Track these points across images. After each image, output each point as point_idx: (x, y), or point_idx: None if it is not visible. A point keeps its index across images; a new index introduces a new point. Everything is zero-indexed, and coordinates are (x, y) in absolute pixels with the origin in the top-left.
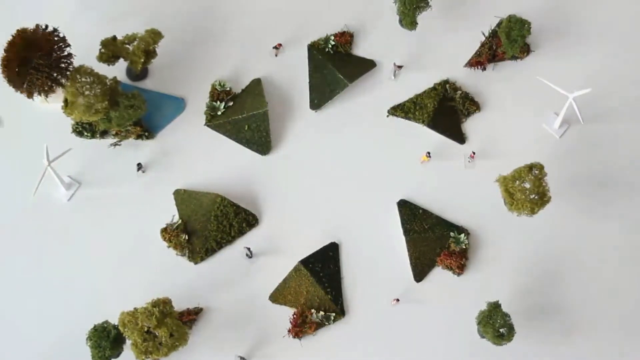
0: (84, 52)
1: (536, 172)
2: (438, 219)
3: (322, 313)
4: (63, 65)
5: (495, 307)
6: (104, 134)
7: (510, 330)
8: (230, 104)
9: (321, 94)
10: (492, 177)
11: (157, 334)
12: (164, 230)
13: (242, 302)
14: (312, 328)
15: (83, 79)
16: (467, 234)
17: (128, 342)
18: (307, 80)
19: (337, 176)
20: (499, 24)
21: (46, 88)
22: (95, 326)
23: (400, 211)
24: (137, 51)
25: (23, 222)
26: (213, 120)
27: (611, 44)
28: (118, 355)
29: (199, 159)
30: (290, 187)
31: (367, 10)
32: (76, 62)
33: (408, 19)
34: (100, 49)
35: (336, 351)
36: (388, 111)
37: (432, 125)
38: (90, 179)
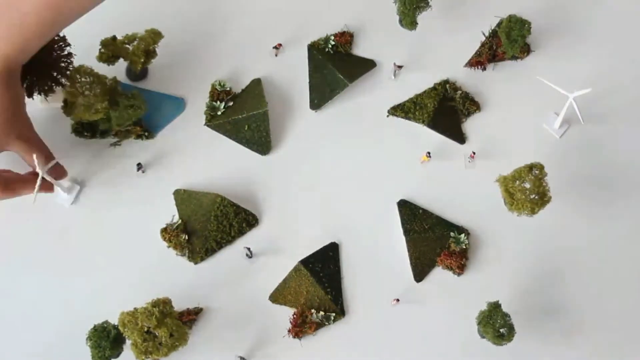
0: (84, 52)
1: (536, 172)
2: (438, 219)
3: (322, 313)
4: (63, 64)
5: (495, 307)
6: (104, 134)
7: (511, 330)
8: (230, 104)
9: (321, 94)
10: (492, 177)
11: (157, 334)
12: (164, 230)
13: (242, 302)
14: (312, 328)
15: (83, 79)
16: (467, 234)
17: (128, 342)
18: (307, 80)
19: (337, 176)
20: (499, 24)
21: (46, 88)
22: (95, 326)
23: (400, 211)
24: (137, 51)
25: (23, 222)
26: (213, 120)
27: (611, 44)
28: (118, 355)
29: (199, 159)
30: (290, 187)
31: (367, 10)
32: (76, 61)
33: (408, 19)
34: (100, 49)
35: (336, 351)
36: (388, 111)
37: (432, 125)
38: (90, 179)
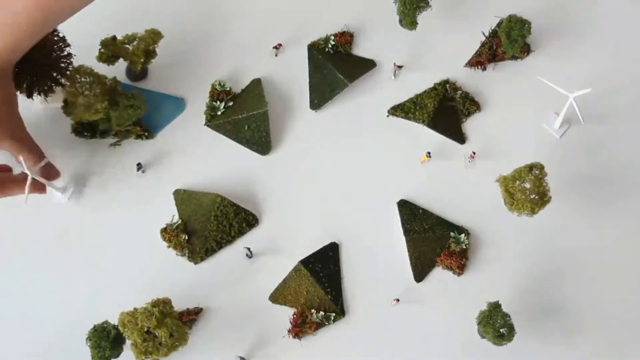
0: (83, 52)
1: (536, 172)
2: (438, 219)
3: (322, 313)
4: (63, 65)
5: (495, 307)
6: (104, 133)
7: (511, 330)
8: (230, 104)
9: (321, 94)
10: (492, 177)
11: (157, 334)
12: (164, 230)
13: (242, 302)
14: (312, 328)
15: (83, 79)
16: (468, 234)
17: (128, 342)
18: (307, 80)
19: (337, 176)
20: (499, 24)
21: (46, 88)
22: (95, 326)
23: (400, 211)
24: (137, 51)
25: (22, 222)
26: (213, 120)
27: (611, 44)
28: (118, 356)
29: (199, 159)
30: (290, 187)
31: (367, 10)
32: (76, 61)
33: (408, 19)
34: (100, 49)
35: (336, 351)
36: (388, 111)
37: (432, 125)
38: (90, 179)
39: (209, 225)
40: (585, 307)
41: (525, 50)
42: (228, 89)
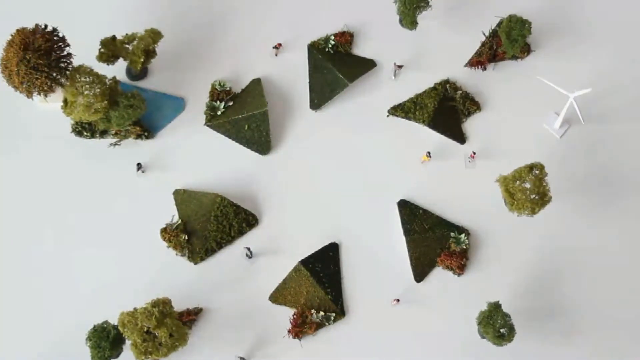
0: (83, 52)
1: (537, 172)
2: (438, 219)
3: (322, 313)
4: (62, 64)
5: (495, 307)
6: (103, 133)
7: (511, 330)
8: (230, 103)
9: (321, 93)
10: (492, 177)
11: (156, 334)
12: (164, 230)
13: (242, 302)
14: (312, 328)
15: (82, 79)
16: (468, 234)
17: (128, 342)
18: (307, 80)
19: (337, 176)
20: (499, 24)
21: (46, 88)
22: (95, 326)
23: (400, 211)
24: (136, 51)
25: (22, 221)
26: (213, 120)
27: (611, 44)
28: (118, 356)
29: (199, 159)
30: (290, 187)
31: (367, 10)
32: (76, 61)
33: (408, 19)
34: (99, 49)
35: (336, 351)
36: (388, 111)
37: (433, 125)
38: (90, 179)
39: (209, 225)
40: (585, 307)
41: (526, 50)
42: (228, 89)
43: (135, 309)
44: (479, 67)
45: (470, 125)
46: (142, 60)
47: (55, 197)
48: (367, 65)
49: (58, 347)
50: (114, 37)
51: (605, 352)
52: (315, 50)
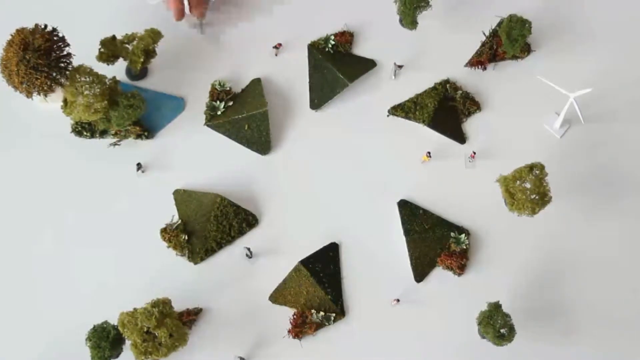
0: (83, 51)
1: (537, 172)
2: (438, 219)
3: (322, 313)
4: (62, 64)
5: (496, 307)
6: (103, 133)
7: (511, 330)
8: (230, 103)
9: (321, 93)
10: (492, 177)
11: (156, 334)
12: (164, 231)
13: (242, 302)
14: (312, 328)
15: (82, 79)
16: (468, 234)
17: (128, 342)
18: (307, 80)
19: (337, 176)
20: (499, 24)
21: (45, 88)
22: (94, 326)
23: (400, 211)
24: (136, 51)
25: (21, 221)
26: (213, 120)
27: (612, 44)
28: (117, 356)
29: (199, 159)
30: (290, 187)
31: (367, 10)
32: (75, 61)
33: (408, 19)
34: (99, 49)
35: (336, 351)
36: (388, 111)
37: (433, 125)
38: (90, 179)
39: (209, 225)
40: (585, 307)
41: (526, 50)
42: (228, 88)
43: (135, 309)
44: (479, 67)
45: (470, 125)
46: (142, 60)
47: (55, 197)
48: (367, 65)
49: (58, 347)
50: (114, 37)
51: (606, 352)
52: (315, 50)
